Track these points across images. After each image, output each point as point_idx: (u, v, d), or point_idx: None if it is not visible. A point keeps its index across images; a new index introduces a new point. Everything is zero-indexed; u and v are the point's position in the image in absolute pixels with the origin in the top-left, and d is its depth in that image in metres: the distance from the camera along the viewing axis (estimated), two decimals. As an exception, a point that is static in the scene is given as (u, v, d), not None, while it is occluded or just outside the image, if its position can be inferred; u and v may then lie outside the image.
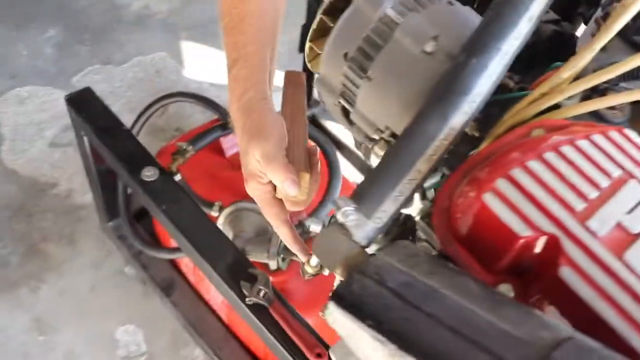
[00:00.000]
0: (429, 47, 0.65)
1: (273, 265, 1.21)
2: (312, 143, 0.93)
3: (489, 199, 0.55)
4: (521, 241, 0.54)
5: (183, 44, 2.35)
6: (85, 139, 1.39)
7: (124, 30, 2.36)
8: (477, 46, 0.60)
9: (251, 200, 1.31)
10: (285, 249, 1.22)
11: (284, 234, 0.88)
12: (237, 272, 1.11)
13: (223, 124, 1.42)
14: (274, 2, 0.83)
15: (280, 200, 0.86)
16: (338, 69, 0.72)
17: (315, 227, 0.90)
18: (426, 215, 0.66)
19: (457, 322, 0.51)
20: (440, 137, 0.60)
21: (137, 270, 1.64)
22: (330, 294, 0.76)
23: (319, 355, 1.03)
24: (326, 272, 0.93)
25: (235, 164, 1.48)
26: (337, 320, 0.59)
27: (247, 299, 1.07)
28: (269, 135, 0.79)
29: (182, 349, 1.62)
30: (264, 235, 1.26)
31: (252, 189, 0.85)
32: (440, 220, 0.62)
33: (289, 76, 0.92)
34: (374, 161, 1.00)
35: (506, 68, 0.61)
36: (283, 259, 1.21)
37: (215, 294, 1.44)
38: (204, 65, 2.29)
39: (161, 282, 1.56)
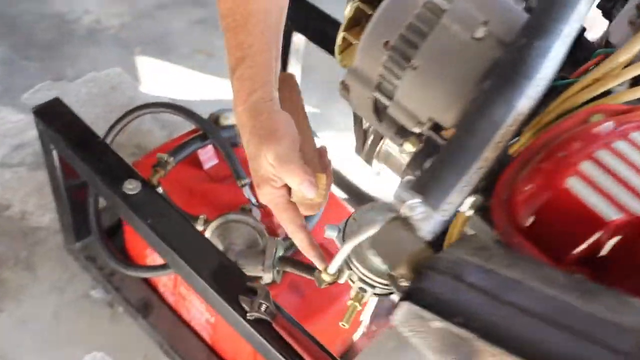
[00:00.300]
0: (479, 32, 0.63)
1: (267, 278, 1.15)
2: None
3: (573, 184, 0.52)
4: (609, 225, 0.51)
5: (138, 59, 2.26)
6: (55, 152, 1.30)
7: (76, 45, 2.25)
8: (539, 29, 0.58)
9: (236, 211, 1.27)
10: (280, 260, 1.17)
11: (300, 240, 0.85)
12: (235, 286, 1.05)
13: (202, 135, 1.35)
14: (278, 2, 0.80)
15: (295, 204, 0.82)
16: (376, 59, 0.68)
17: (330, 233, 0.86)
18: (480, 208, 0.63)
19: (555, 314, 0.48)
20: (507, 124, 0.57)
21: (109, 292, 1.54)
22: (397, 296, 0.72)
23: (329, 369, 0.98)
24: (342, 280, 0.89)
25: (213, 176, 1.42)
26: (407, 322, 0.55)
27: (248, 315, 1.01)
28: (281, 136, 0.76)
29: (156, 374, 1.53)
30: (256, 247, 1.21)
31: (265, 193, 0.81)
32: (500, 212, 0.59)
33: (282, 79, 0.90)
34: (376, 166, 0.97)
35: (567, 51, 0.59)
36: (278, 272, 1.15)
37: (197, 313, 1.37)
38: (161, 81, 2.21)
39: (136, 303, 1.47)
